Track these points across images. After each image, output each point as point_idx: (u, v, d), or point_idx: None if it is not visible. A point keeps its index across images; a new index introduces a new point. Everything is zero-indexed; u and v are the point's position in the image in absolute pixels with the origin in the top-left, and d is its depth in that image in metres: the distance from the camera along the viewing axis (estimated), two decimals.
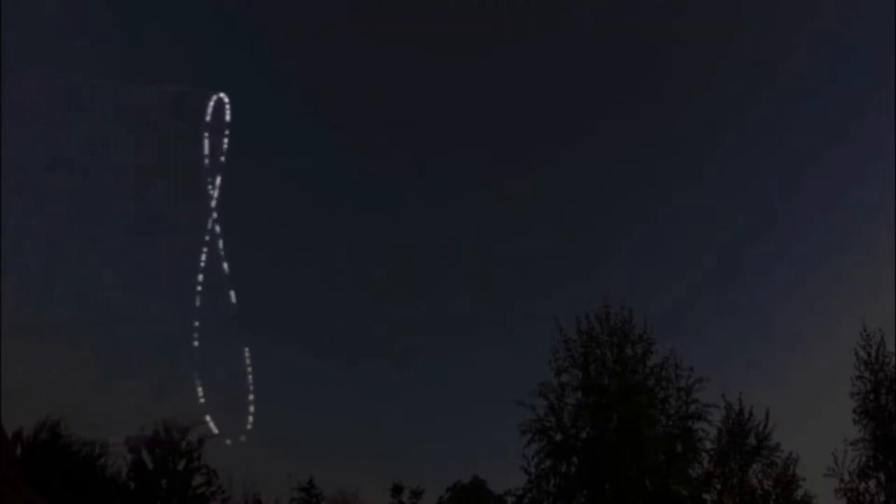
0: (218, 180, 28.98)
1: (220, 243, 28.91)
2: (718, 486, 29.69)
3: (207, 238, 28.97)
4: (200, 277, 28.66)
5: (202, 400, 30.84)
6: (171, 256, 32.44)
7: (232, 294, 28.82)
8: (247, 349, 30.60)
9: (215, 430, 29.60)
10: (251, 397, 31.99)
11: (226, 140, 29.15)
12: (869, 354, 29.71)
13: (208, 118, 29.57)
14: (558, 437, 28.59)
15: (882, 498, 28.14)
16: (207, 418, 30.30)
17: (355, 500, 40.90)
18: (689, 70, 59.31)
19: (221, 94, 29.43)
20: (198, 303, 29.65)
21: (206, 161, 29.30)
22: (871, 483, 28.44)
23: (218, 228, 28.62)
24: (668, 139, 58.33)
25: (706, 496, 29.27)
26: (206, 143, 29.12)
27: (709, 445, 29.29)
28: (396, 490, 39.79)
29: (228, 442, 30.09)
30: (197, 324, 30.73)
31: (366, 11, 57.50)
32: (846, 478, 28.47)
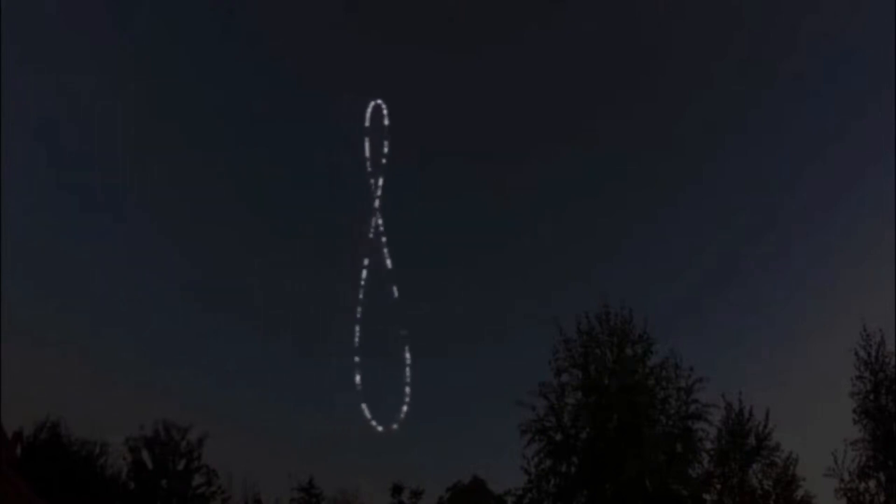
0: (381, 181, 29.48)
1: (384, 240, 29.28)
2: (718, 486, 29.67)
3: (371, 235, 29.34)
4: (364, 273, 29.02)
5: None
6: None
7: (395, 289, 29.25)
8: (406, 346, 30.96)
9: (373, 422, 29.94)
10: (407, 389, 32.38)
11: (386, 143, 29.72)
12: (869, 354, 29.70)
13: (367, 123, 30.11)
14: (558, 437, 28.57)
15: (882, 498, 28.14)
16: (364, 406, 30.72)
17: (355, 500, 40.98)
18: (689, 70, 59.40)
19: (378, 101, 30.03)
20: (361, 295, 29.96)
21: (368, 164, 29.71)
22: (871, 483, 28.45)
23: (382, 227, 29.06)
24: (668, 139, 58.36)
25: (706, 496, 29.26)
26: (367, 145, 29.61)
27: (709, 445, 29.28)
28: (396, 490, 39.81)
29: (380, 429, 30.71)
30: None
31: (366, 11, 57.52)
32: (846, 478, 28.47)
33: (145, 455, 39.00)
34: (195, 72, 61.44)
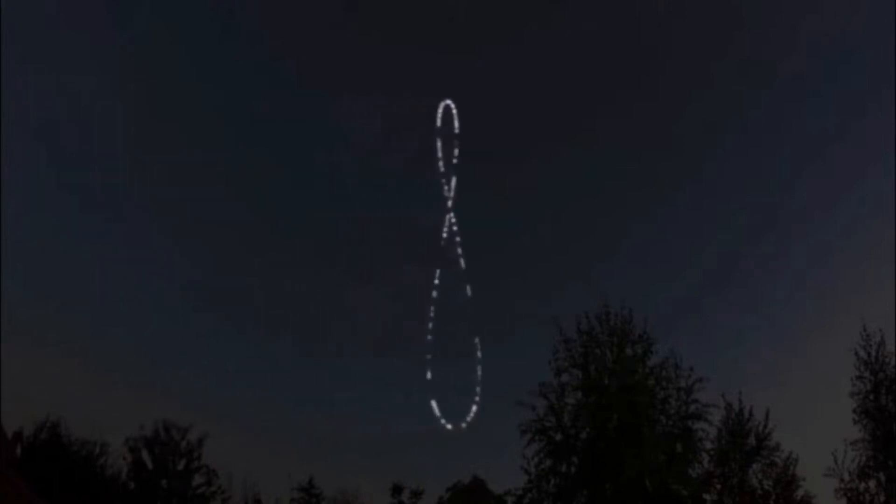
0: (454, 182, 29.63)
1: (458, 240, 29.38)
2: (718, 486, 29.67)
3: (445, 236, 29.44)
4: (438, 272, 29.14)
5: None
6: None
7: (468, 288, 29.32)
8: (477, 339, 30.99)
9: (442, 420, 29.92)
10: (478, 388, 32.43)
11: (456, 145, 29.88)
12: (869, 354, 29.69)
13: (438, 123, 30.26)
14: (558, 437, 28.59)
15: (882, 498, 28.14)
16: (433, 403, 30.72)
17: (355, 500, 40.97)
18: (689, 70, 59.42)
19: (448, 101, 30.21)
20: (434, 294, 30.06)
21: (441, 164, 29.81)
22: (871, 483, 28.44)
23: (455, 227, 29.16)
24: (668, 139, 58.36)
25: (706, 496, 29.26)
26: (439, 147, 29.74)
27: (709, 445, 29.28)
28: (396, 490, 39.80)
29: (450, 427, 30.70)
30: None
31: (366, 11, 57.54)
32: (846, 478, 28.46)
33: (145, 455, 39.01)
34: (195, 72, 61.51)
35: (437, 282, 28.21)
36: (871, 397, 29.33)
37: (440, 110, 29.62)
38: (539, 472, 28.49)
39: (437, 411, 32.51)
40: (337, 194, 56.22)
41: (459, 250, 28.36)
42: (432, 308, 29.90)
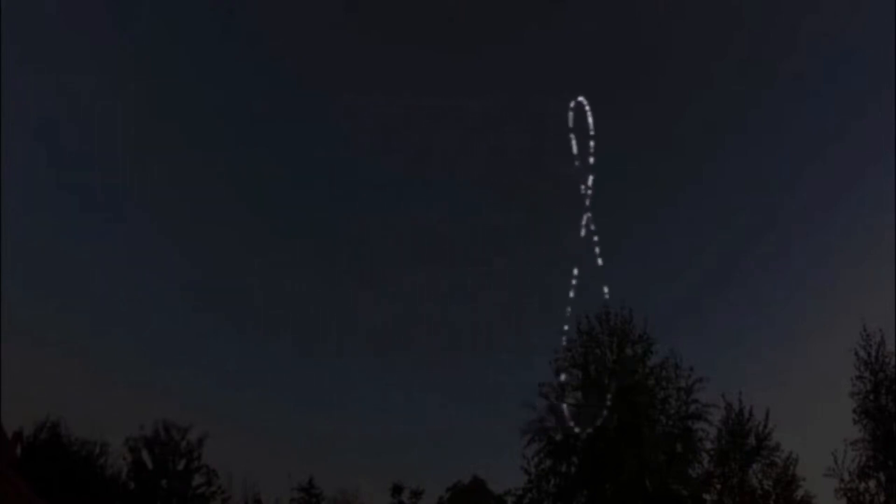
0: (590, 180, 29.44)
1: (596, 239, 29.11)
2: (718, 486, 29.68)
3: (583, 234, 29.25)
4: (576, 272, 28.90)
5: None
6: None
7: (605, 290, 29.09)
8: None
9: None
10: None
11: (592, 143, 29.77)
12: (869, 354, 29.70)
13: (571, 123, 30.10)
14: (558, 437, 28.62)
15: (882, 498, 28.13)
16: None
17: (355, 500, 40.94)
18: (689, 70, 59.31)
19: (581, 98, 29.98)
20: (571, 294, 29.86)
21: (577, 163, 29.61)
22: (871, 483, 28.44)
23: (593, 226, 28.98)
24: (668, 139, 58.30)
25: (706, 496, 29.29)
26: (574, 145, 29.53)
27: (709, 445, 29.32)
28: (396, 490, 39.76)
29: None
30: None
31: (366, 11, 57.56)
32: (846, 478, 28.45)
33: (145, 455, 39.00)
34: (195, 72, 61.29)
35: (574, 282, 27.91)
36: (871, 397, 29.33)
37: (571, 107, 29.47)
38: (539, 472, 28.54)
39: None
40: (337, 194, 56.15)
41: (597, 249, 28.12)
42: (569, 308, 29.67)
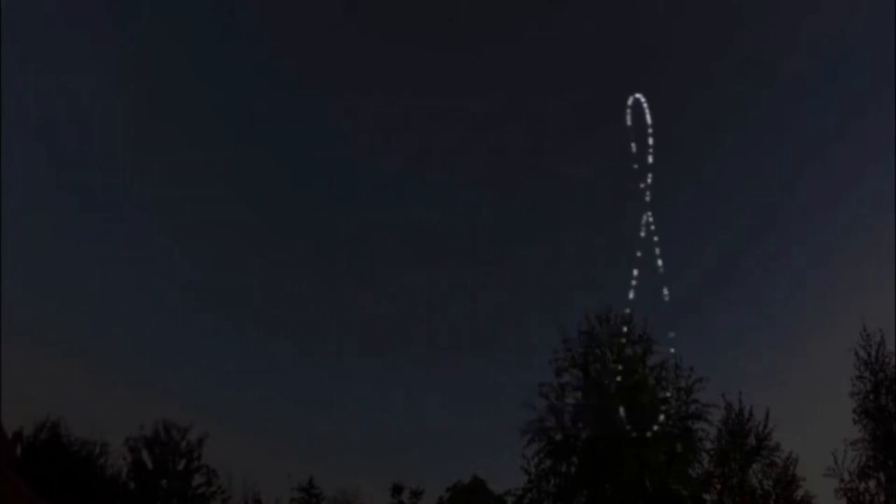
0: (649, 179, 29.24)
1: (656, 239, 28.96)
2: (718, 486, 29.68)
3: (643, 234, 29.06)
4: (635, 272, 28.77)
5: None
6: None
7: (665, 292, 28.90)
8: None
9: None
10: None
11: (651, 140, 29.60)
12: (869, 354, 29.71)
13: (629, 122, 29.94)
14: (558, 437, 28.62)
15: (882, 498, 28.14)
16: None
17: (355, 500, 40.93)
18: (689, 70, 59.31)
19: (638, 95, 29.77)
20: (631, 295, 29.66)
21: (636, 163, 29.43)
22: (871, 483, 28.45)
23: (653, 226, 28.87)
24: (668, 139, 58.28)
25: (706, 496, 29.28)
26: (633, 144, 29.39)
27: (709, 445, 29.33)
28: (396, 490, 39.75)
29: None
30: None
31: (366, 11, 57.55)
32: (846, 478, 28.47)
33: (145, 455, 39.01)
34: (195, 72, 61.26)
35: (634, 282, 27.80)
36: (871, 397, 29.34)
37: (629, 105, 29.31)
38: (539, 472, 28.54)
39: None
40: (337, 194, 56.12)
41: (657, 250, 28.00)
42: (628, 310, 29.63)
